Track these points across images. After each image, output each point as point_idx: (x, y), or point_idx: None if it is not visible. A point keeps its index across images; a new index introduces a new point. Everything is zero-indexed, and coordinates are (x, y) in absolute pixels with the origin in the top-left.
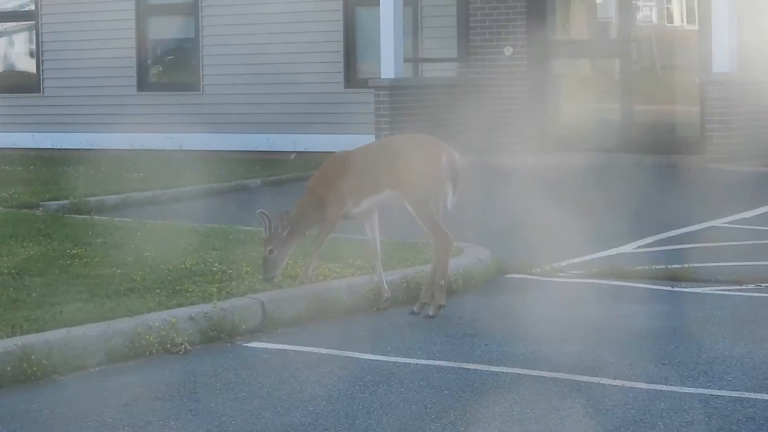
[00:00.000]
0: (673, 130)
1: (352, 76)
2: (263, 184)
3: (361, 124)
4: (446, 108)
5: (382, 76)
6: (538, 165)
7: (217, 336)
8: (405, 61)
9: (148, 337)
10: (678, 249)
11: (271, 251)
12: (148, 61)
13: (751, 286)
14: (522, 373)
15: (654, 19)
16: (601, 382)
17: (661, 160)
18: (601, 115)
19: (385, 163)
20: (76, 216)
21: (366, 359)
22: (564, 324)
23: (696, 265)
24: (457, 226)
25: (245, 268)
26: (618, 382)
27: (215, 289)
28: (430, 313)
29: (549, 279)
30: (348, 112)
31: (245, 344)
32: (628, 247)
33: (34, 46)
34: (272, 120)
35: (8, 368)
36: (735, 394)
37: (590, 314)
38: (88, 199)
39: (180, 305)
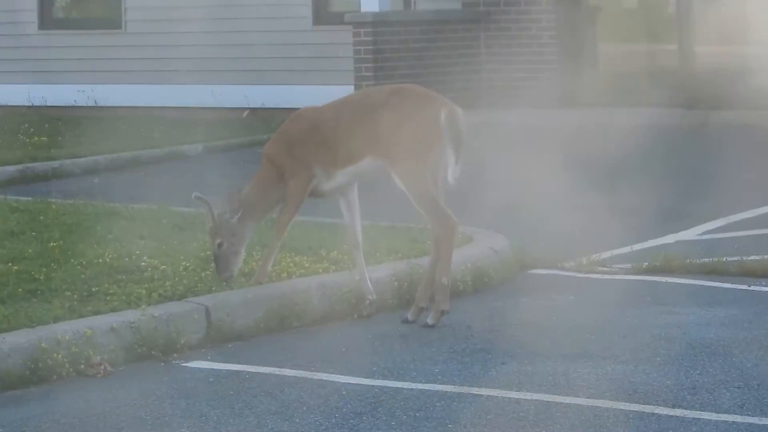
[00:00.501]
0: (748, 78)
1: (322, 10)
2: (206, 150)
3: (334, 72)
4: (447, 52)
5: (363, 9)
6: (570, 124)
7: (147, 353)
8: None
9: (55, 355)
10: (756, 235)
11: (220, 244)
12: None
13: None
14: (551, 400)
15: None
16: (656, 411)
17: (732, 117)
18: (652, 60)
19: (365, 121)
20: None
21: (345, 383)
22: (606, 335)
23: None
24: (463, 205)
25: (183, 263)
26: (678, 412)
27: (144, 291)
28: (430, 321)
29: (586, 275)
30: (318, 57)
31: (184, 364)
32: (691, 233)
33: None
34: (218, 67)
35: None
36: None
37: (640, 322)
38: None
39: (97, 312)
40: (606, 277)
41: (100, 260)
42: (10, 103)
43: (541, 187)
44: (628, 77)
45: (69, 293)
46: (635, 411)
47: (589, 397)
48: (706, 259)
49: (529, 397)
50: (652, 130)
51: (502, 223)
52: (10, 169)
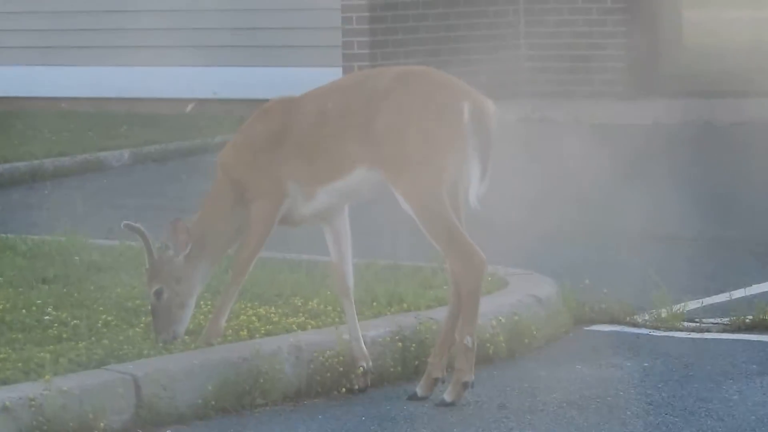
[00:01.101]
0: None
1: None
2: (134, 159)
3: (315, 49)
4: (473, 20)
5: None
6: (643, 121)
7: None
8: None
9: None
10: None
11: (159, 293)
12: None
13: None
14: None
15: None
16: None
17: None
18: (759, 31)
19: (357, 117)
20: None
21: None
22: (695, 418)
23: None
24: (493, 235)
25: (103, 317)
26: None
27: (48, 356)
28: (448, 398)
29: (666, 334)
30: (294, 28)
31: None
32: None
33: None
34: (150, 42)
35: None
36: None
37: (742, 399)
38: None
39: None
40: (694, 335)
41: None
42: None
43: (602, 209)
44: (719, 56)
45: None
46: None
47: None
48: None
49: None
50: (755, 129)
51: (547, 260)
52: None
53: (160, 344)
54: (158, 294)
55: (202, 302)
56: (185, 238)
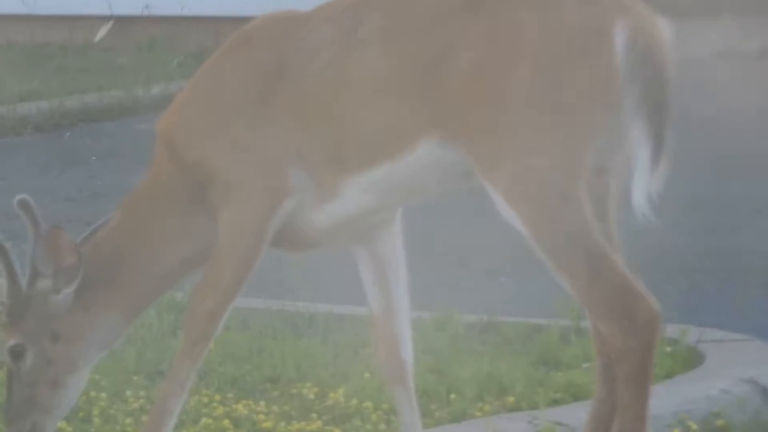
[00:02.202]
0: None
1: None
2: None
3: None
4: None
5: None
6: None
7: None
8: None
9: None
10: None
11: (17, 352)
12: None
13: None
14: None
15: None
16: None
17: None
18: None
19: (418, 54)
20: None
21: None
22: None
23: None
24: (673, 263)
25: None
26: None
27: None
28: None
29: None
30: None
31: None
32: None
33: None
34: None
35: None
36: None
37: None
38: None
39: None
40: None
41: None
42: None
43: None
44: None
45: None
46: None
47: None
48: None
49: None
50: None
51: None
52: None
53: None
54: (16, 354)
55: (127, 386)
56: (72, 261)
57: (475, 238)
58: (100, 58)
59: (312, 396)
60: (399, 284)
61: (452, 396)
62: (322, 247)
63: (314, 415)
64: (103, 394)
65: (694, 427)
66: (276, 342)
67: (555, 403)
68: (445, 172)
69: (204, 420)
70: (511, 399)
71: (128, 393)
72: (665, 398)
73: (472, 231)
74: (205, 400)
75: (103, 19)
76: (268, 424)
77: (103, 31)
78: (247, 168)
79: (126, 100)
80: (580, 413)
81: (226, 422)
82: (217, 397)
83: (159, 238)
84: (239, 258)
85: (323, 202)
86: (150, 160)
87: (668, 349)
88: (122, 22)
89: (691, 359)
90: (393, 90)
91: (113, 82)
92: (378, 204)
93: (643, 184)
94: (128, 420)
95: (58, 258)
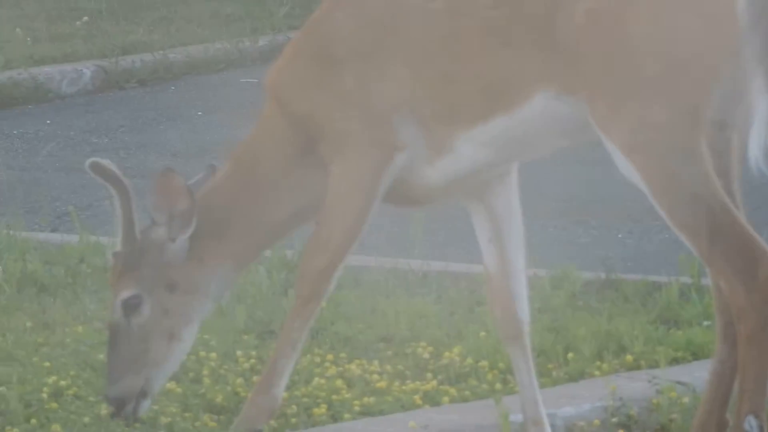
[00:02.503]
0: None
1: None
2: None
3: None
4: None
5: None
6: None
7: None
8: None
9: None
10: None
11: (132, 304)
12: None
13: None
14: None
15: None
16: None
17: None
18: None
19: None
20: None
21: None
22: None
23: None
24: None
25: (51, 381)
26: None
27: None
28: None
29: None
30: None
31: None
32: None
33: None
34: None
35: None
36: None
37: None
38: None
39: None
40: None
41: None
42: None
43: None
44: None
45: None
46: None
47: None
48: None
49: None
50: None
51: None
52: None
53: (114, 412)
54: (131, 307)
55: (238, 345)
56: (185, 205)
57: (593, 192)
58: (205, 8)
59: (426, 355)
60: (515, 241)
61: (570, 355)
62: (436, 203)
63: (429, 375)
64: (213, 354)
65: None
66: (389, 301)
67: (675, 361)
68: (561, 125)
69: (316, 380)
70: (629, 358)
71: (239, 353)
72: None
73: (590, 185)
74: (318, 359)
75: None
76: (381, 384)
77: None
78: (356, 121)
79: (232, 52)
80: (700, 372)
81: (339, 382)
82: (330, 356)
83: (269, 189)
84: (350, 215)
85: (436, 157)
86: (257, 114)
87: None
88: None
89: None
90: (506, 40)
91: (218, 34)
92: (492, 159)
93: (761, 137)
94: (239, 380)
95: (171, 202)
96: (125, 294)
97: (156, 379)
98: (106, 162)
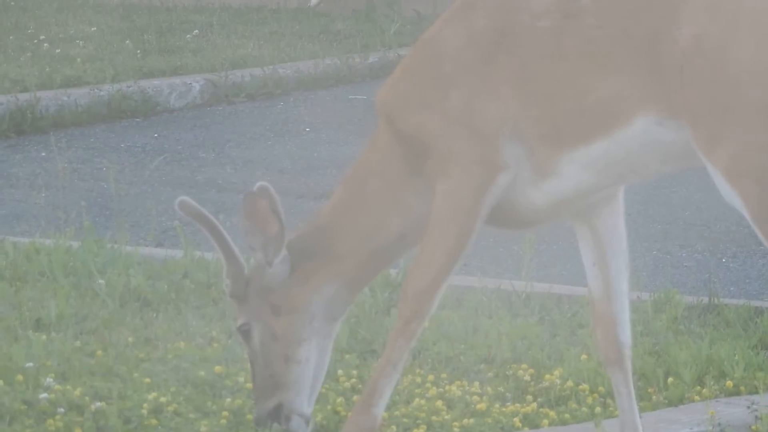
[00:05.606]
0: None
1: None
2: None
3: None
4: None
5: None
6: None
7: None
8: None
9: None
10: None
11: (244, 331)
12: None
13: None
14: None
15: None
16: None
17: None
18: None
19: (638, 23)
20: None
21: None
22: None
23: None
24: None
25: (152, 397)
26: None
27: None
28: None
29: None
30: None
31: None
32: None
33: None
34: None
35: None
36: None
37: None
38: None
39: None
40: None
41: None
42: None
43: None
44: None
45: None
46: None
47: None
48: None
49: None
50: None
51: None
52: None
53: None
54: (245, 334)
55: (339, 365)
56: (276, 229)
57: (697, 216)
58: (316, 23)
59: (527, 377)
60: (619, 264)
61: (670, 379)
62: (540, 225)
63: (529, 397)
64: None
65: None
66: (491, 321)
67: None
68: (664, 150)
69: (417, 401)
70: (730, 383)
71: (340, 372)
72: None
73: (695, 209)
74: (419, 380)
75: None
76: (481, 406)
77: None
78: (461, 140)
79: (342, 68)
80: None
81: (439, 403)
82: (431, 377)
83: (377, 207)
84: (454, 234)
85: (540, 179)
86: (365, 131)
87: None
88: None
89: None
90: (609, 61)
91: (328, 50)
92: (596, 183)
93: None
94: (339, 399)
95: (262, 226)
96: (239, 322)
97: (290, 401)
98: (192, 202)
